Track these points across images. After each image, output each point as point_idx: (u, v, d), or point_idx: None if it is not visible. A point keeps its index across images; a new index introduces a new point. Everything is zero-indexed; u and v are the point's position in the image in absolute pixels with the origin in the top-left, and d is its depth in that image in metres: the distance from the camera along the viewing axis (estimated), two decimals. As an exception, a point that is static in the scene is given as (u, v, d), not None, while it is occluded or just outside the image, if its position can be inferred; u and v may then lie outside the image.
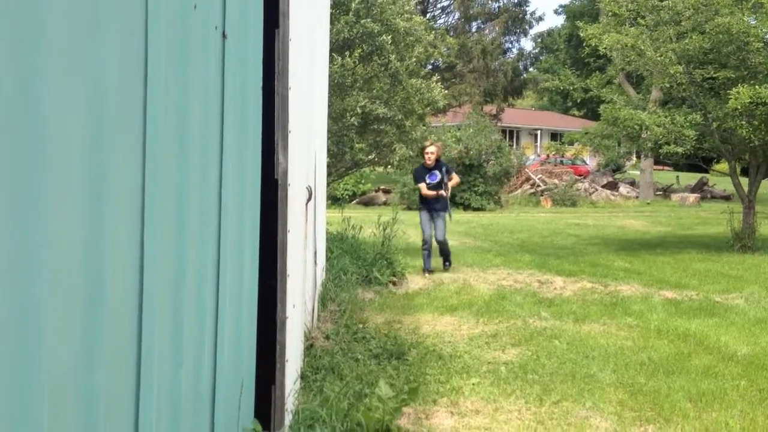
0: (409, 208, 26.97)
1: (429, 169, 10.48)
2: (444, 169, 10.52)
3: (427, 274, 10.40)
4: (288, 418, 3.99)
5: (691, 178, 38.26)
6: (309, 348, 5.75)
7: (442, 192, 10.38)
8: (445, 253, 10.93)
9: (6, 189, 1.18)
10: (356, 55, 12.52)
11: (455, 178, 10.99)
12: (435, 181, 10.40)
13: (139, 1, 1.77)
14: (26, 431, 1.24)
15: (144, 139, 1.81)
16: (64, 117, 1.37)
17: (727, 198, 31.91)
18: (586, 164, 40.27)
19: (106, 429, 1.62)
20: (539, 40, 56.32)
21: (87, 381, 1.50)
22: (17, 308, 1.21)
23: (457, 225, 19.95)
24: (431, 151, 10.44)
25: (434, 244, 10.65)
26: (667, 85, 14.63)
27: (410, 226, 16.97)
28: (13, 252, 1.20)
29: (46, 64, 1.29)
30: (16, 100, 1.20)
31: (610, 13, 15.85)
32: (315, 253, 6.75)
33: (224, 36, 2.66)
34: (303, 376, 5.05)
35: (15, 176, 1.21)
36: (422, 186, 10.52)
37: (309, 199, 5.78)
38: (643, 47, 13.99)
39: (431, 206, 10.57)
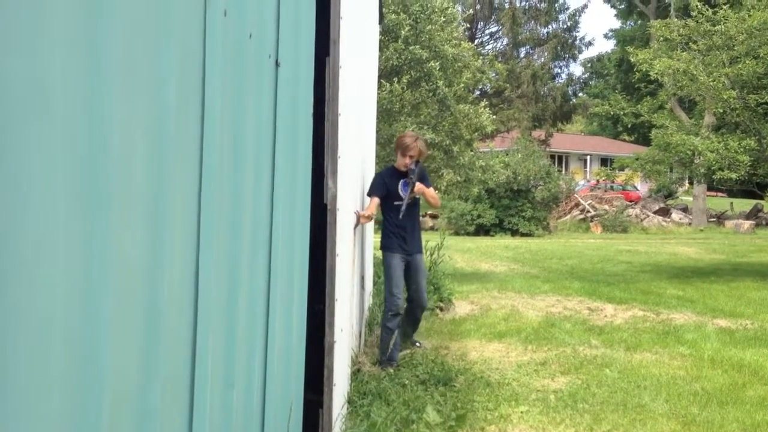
0: (457, 233, 26.96)
1: (400, 175, 6.36)
2: (418, 172, 6.29)
3: (392, 368, 6.12)
4: (335, 442, 4.00)
5: (745, 205, 37.42)
6: (356, 373, 5.76)
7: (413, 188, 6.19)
8: (416, 322, 7.05)
9: (77, 204, 1.23)
10: (404, 81, 12.61)
11: (432, 192, 6.64)
12: (407, 195, 6.22)
13: (197, 28, 1.83)
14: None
15: (200, 161, 1.86)
16: (128, 136, 1.43)
17: (783, 225, 31.14)
18: (637, 190, 39.70)
19: (160, 447, 1.65)
20: (589, 65, 55.95)
21: (144, 399, 1.54)
22: (85, 324, 1.25)
23: (505, 251, 19.81)
24: (414, 150, 6.25)
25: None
26: (721, 110, 14.42)
27: (457, 252, 16.92)
28: (82, 267, 1.25)
29: (112, 84, 1.34)
30: (86, 118, 1.26)
31: (661, 38, 15.72)
32: (362, 277, 6.77)
33: (277, 64, 2.72)
34: (350, 401, 5.06)
35: (85, 193, 1.25)
36: (374, 201, 6.22)
37: (357, 224, 5.81)
38: (695, 72, 13.83)
39: (405, 242, 6.39)
